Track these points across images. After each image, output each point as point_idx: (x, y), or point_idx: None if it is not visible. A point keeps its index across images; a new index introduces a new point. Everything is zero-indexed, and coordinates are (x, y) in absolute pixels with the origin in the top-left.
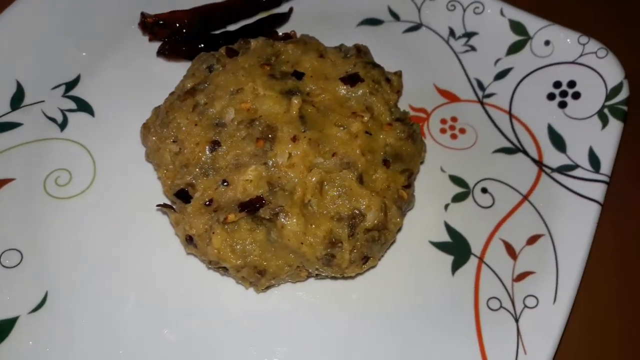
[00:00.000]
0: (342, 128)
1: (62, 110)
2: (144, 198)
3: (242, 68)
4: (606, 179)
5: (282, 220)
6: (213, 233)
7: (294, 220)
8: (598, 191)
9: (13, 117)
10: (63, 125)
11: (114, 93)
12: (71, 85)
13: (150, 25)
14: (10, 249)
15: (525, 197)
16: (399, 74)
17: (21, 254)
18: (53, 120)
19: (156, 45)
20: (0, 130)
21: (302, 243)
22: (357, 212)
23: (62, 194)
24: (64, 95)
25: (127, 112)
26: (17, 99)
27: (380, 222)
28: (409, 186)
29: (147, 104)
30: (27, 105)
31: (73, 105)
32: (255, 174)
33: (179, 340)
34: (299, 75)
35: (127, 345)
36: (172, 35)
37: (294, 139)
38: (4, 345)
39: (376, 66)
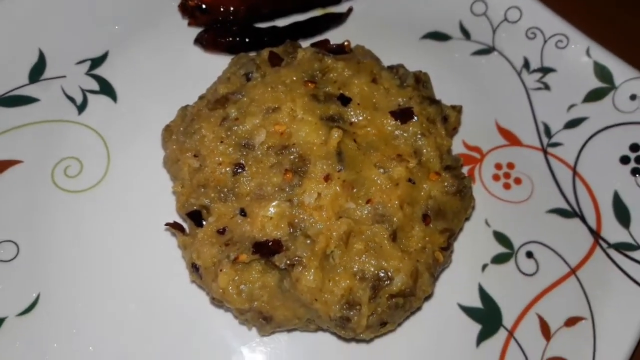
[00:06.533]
0: (382, 171)
1: (83, 90)
2: (155, 206)
3: (282, 82)
4: None
5: (299, 272)
6: (221, 270)
7: (312, 275)
8: None
9: (30, 90)
10: (81, 108)
11: (142, 79)
12: (97, 62)
13: (192, 8)
14: (6, 241)
15: (573, 271)
16: (458, 110)
17: (17, 248)
18: (72, 100)
19: (195, 31)
20: (15, 104)
21: (316, 299)
22: (383, 273)
23: (69, 187)
24: (88, 73)
25: (153, 103)
26: (37, 71)
27: (407, 289)
28: (447, 248)
29: (175, 97)
30: (46, 79)
31: (95, 86)
32: (277, 211)
33: None
34: (345, 101)
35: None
36: (214, 23)
37: (327, 178)
38: None
39: (434, 102)
